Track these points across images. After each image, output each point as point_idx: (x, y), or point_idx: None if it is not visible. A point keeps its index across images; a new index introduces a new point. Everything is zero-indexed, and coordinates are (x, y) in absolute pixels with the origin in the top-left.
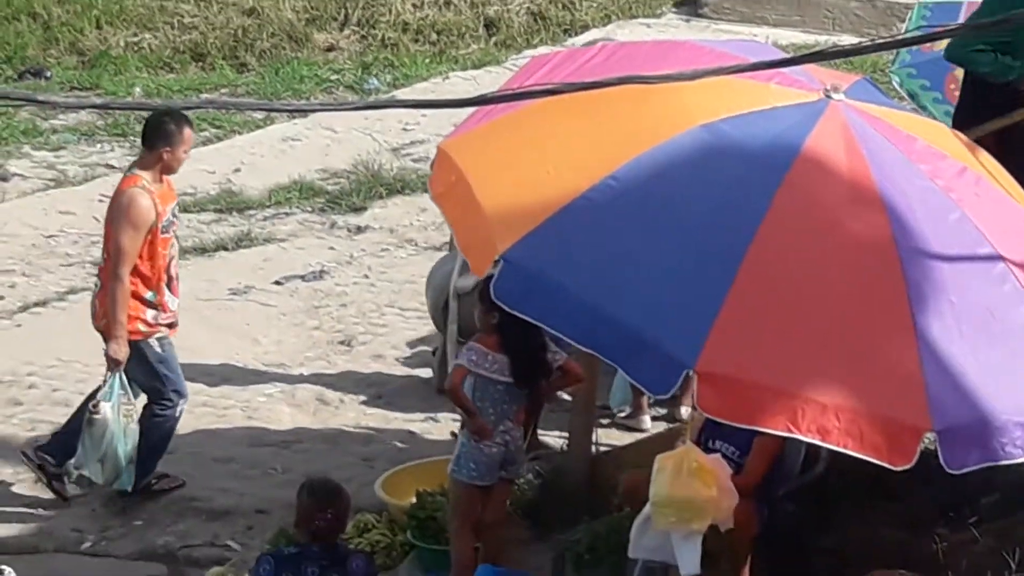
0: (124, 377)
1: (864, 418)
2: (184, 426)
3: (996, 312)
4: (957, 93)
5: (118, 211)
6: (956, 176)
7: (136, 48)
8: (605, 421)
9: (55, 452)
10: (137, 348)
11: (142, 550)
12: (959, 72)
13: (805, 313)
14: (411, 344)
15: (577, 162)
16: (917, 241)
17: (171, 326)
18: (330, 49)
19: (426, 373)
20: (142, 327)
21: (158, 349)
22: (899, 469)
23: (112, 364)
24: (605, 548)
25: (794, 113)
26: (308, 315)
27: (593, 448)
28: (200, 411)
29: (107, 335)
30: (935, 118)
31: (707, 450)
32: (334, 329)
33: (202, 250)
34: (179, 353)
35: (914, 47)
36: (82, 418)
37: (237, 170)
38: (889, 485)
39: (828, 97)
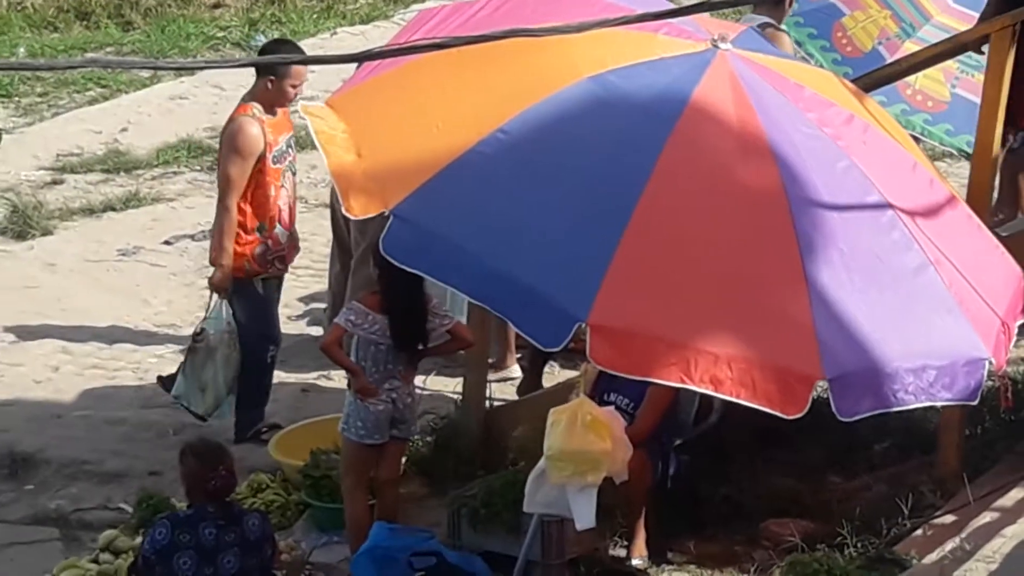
0: (229, 306)
1: (756, 368)
2: (73, 388)
3: (885, 259)
4: (844, 41)
5: (226, 139)
6: (844, 124)
7: (19, 7)
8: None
9: (247, 412)
10: (238, 284)
11: (34, 515)
12: (846, 20)
13: (696, 264)
14: (303, 301)
15: (466, 116)
16: (806, 190)
17: (281, 260)
18: (216, 6)
19: (317, 331)
20: (247, 265)
21: (259, 290)
22: (792, 418)
23: (218, 292)
24: (500, 503)
25: (682, 63)
26: (198, 275)
27: (487, 403)
28: (90, 373)
29: (214, 262)
30: (822, 66)
31: (601, 402)
32: None
33: (90, 211)
34: (67, 315)
35: None
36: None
37: (124, 129)
38: (782, 434)
39: (716, 47)
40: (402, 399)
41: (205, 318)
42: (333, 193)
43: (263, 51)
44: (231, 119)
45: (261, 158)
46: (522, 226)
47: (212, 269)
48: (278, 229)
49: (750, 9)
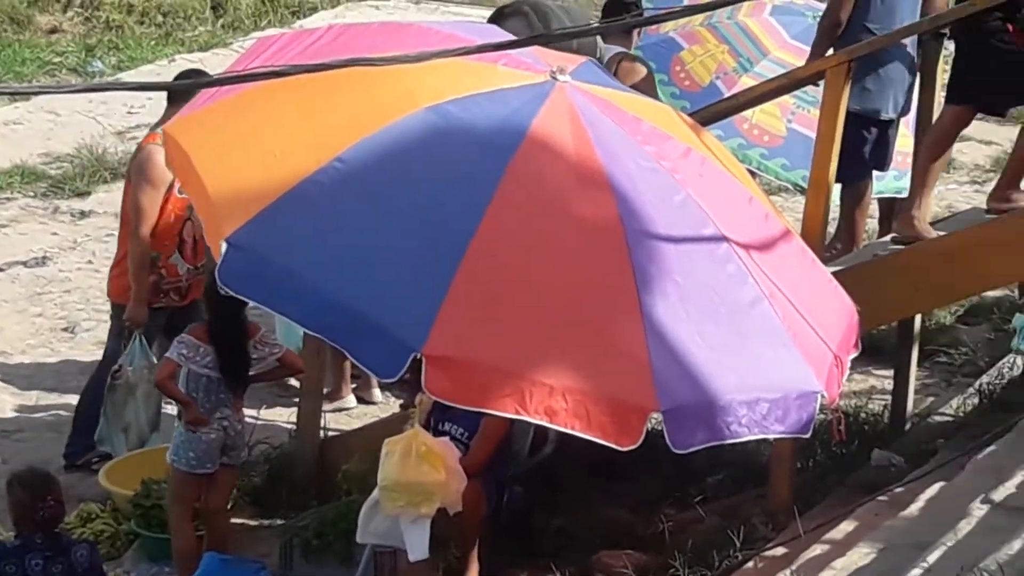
0: (144, 340)
1: (591, 399)
2: None
3: (720, 292)
4: (683, 75)
5: (135, 168)
6: (681, 157)
7: None
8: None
9: (82, 439)
10: (118, 309)
11: None
12: (685, 55)
13: (533, 295)
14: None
15: (304, 144)
16: (643, 223)
17: (178, 292)
18: (53, 31)
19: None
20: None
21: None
22: (626, 449)
23: (134, 325)
24: (333, 533)
25: (521, 95)
26: (30, 302)
27: (321, 434)
28: None
29: (133, 296)
30: (661, 100)
31: (436, 432)
32: (57, 316)
33: None
34: None
35: (642, 29)
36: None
37: None
38: (617, 466)
39: (555, 79)
40: (232, 427)
41: (123, 354)
42: None
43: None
44: (140, 148)
45: (168, 188)
46: (358, 255)
47: (43, 296)
48: (175, 259)
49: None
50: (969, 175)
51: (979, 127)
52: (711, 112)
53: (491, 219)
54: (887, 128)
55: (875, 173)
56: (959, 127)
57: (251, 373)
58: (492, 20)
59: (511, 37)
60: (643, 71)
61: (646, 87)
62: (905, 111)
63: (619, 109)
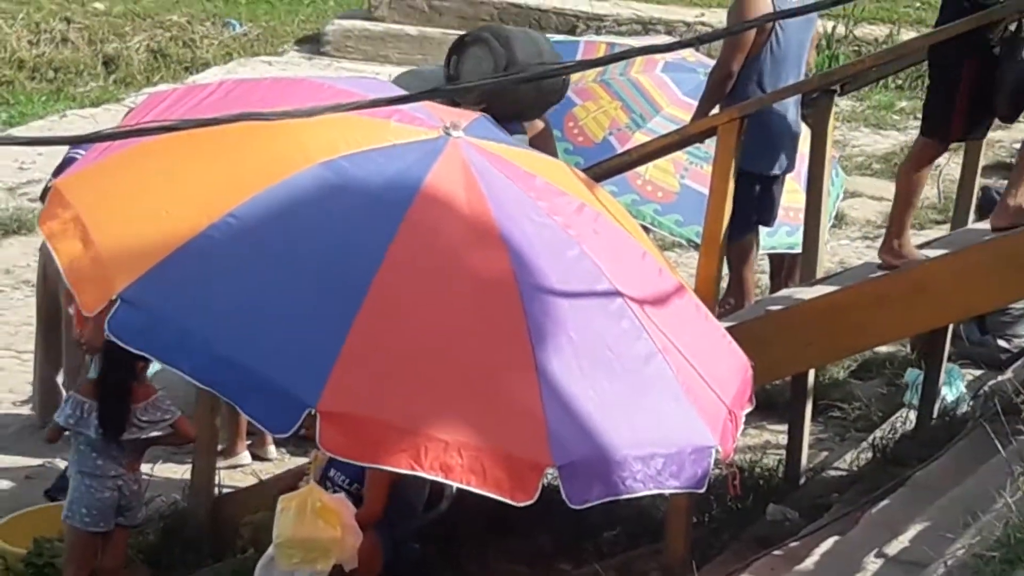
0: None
1: (486, 454)
2: None
3: (615, 347)
4: (576, 131)
5: None
6: (575, 213)
7: None
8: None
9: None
10: None
11: None
12: (578, 110)
13: (428, 350)
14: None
15: (196, 200)
16: (537, 278)
17: None
18: None
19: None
20: None
21: None
22: (521, 505)
23: (90, 351)
24: None
25: (414, 150)
26: None
27: (216, 490)
28: None
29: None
30: (555, 156)
31: (323, 479)
32: None
33: None
34: None
35: None
36: None
37: None
38: (513, 521)
39: (448, 134)
40: (128, 486)
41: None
42: (43, 261)
43: None
44: None
45: None
46: (252, 310)
47: None
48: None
49: None
50: (861, 231)
51: (871, 184)
52: (604, 168)
53: (385, 274)
54: (772, 185)
55: (767, 229)
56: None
57: (142, 437)
58: (452, 51)
59: (402, 93)
60: (541, 125)
61: (544, 141)
62: (790, 168)
63: (513, 165)
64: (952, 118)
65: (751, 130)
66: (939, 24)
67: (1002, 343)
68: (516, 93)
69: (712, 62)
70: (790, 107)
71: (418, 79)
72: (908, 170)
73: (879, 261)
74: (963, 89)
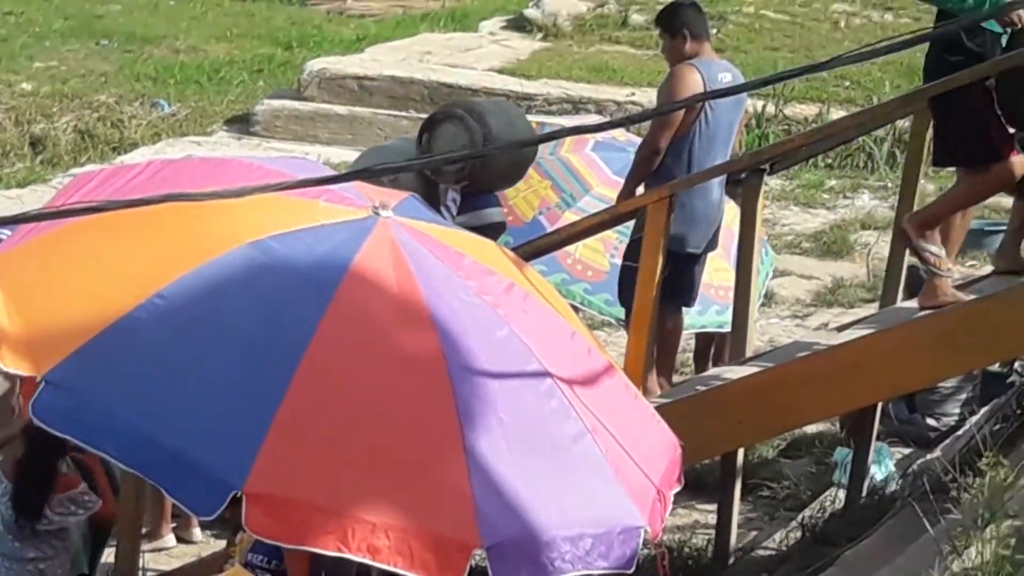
0: None
1: (414, 536)
2: None
3: (543, 428)
4: (505, 210)
5: None
6: (504, 293)
7: None
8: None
9: None
10: None
11: None
12: (508, 191)
13: (356, 431)
14: None
15: (123, 280)
16: (466, 358)
17: None
18: None
19: None
20: None
21: None
22: None
23: None
24: None
25: (343, 230)
26: None
27: (140, 573)
28: None
29: None
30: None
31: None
32: None
33: None
34: None
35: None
36: None
37: None
38: None
39: (377, 214)
40: (51, 570)
41: None
42: None
43: None
44: None
45: None
46: (179, 392)
47: None
48: None
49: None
50: (790, 309)
51: (800, 262)
52: (534, 247)
53: (313, 355)
54: (693, 264)
55: (697, 308)
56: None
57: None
58: (424, 128)
59: (331, 172)
60: None
61: None
62: (711, 247)
63: (441, 244)
64: (990, 131)
65: (671, 208)
66: (926, 71)
67: (931, 421)
68: (499, 165)
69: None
70: (714, 187)
71: (384, 155)
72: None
73: (809, 339)
74: (978, 105)
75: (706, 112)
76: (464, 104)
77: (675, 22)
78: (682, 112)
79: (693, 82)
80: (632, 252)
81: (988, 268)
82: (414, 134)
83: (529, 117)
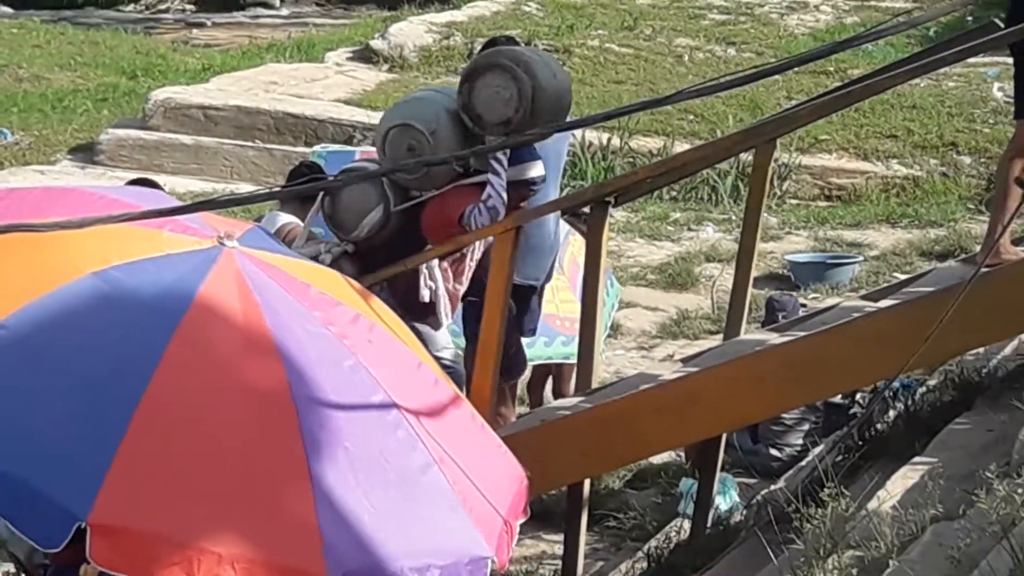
0: None
1: (261, 567)
2: None
3: (390, 458)
4: None
5: None
6: (350, 323)
7: None
8: None
9: None
10: None
11: None
12: None
13: (201, 462)
14: None
15: None
16: (312, 389)
17: None
18: None
19: None
20: None
21: None
22: None
23: None
24: None
25: (188, 260)
26: None
27: None
28: None
29: None
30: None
31: None
32: None
33: None
34: None
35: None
36: None
37: None
38: None
39: (222, 244)
40: None
41: None
42: None
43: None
44: None
45: None
46: (21, 422)
47: None
48: None
49: (271, 207)
50: (636, 340)
51: (646, 294)
52: (379, 277)
53: (158, 385)
54: (531, 295)
55: (544, 338)
56: None
57: None
58: (466, 79)
59: (175, 203)
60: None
61: None
62: (548, 279)
63: (287, 275)
64: None
65: None
66: (1011, 15)
67: (774, 452)
68: (545, 114)
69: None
70: (550, 217)
71: (417, 106)
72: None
73: (654, 371)
74: None
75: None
76: (508, 53)
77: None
78: None
79: None
80: (474, 286)
81: (830, 300)
82: (264, 163)
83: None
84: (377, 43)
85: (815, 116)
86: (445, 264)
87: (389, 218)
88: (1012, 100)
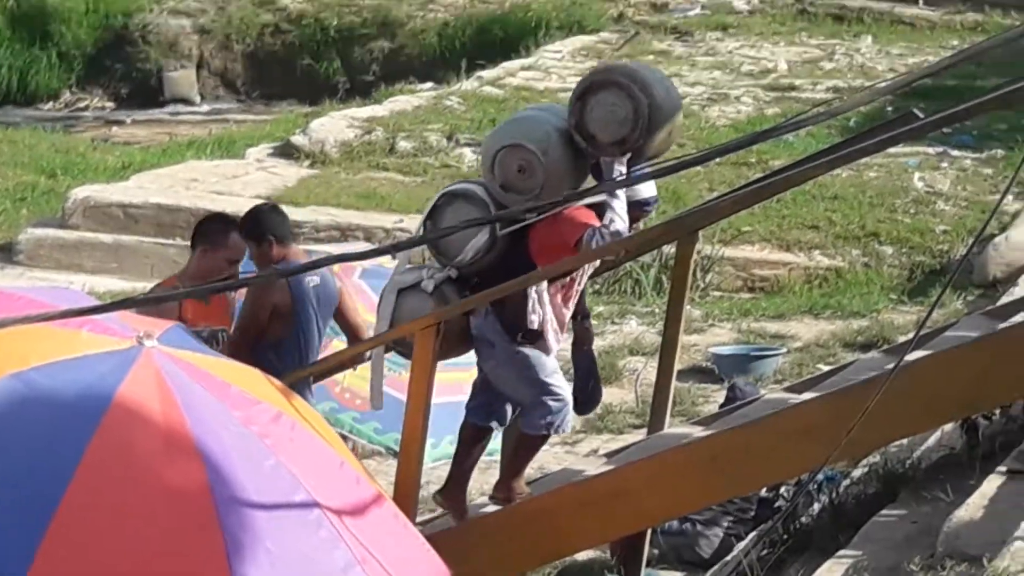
0: None
1: None
2: None
3: (313, 558)
4: None
5: None
6: (271, 422)
7: None
8: None
9: None
10: None
11: None
12: None
13: (122, 564)
14: None
15: None
16: (233, 489)
17: None
18: None
19: None
20: None
21: None
22: None
23: None
24: None
25: (107, 360)
26: None
27: None
28: None
29: None
30: None
31: None
32: None
33: None
34: None
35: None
36: None
37: None
38: None
39: (141, 344)
40: None
41: None
42: None
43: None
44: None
45: None
46: None
47: None
48: None
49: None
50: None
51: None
52: (302, 375)
53: (78, 487)
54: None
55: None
56: None
57: None
58: (578, 96)
59: (94, 302)
60: None
61: None
62: None
63: (207, 374)
64: None
65: None
66: None
67: (700, 528)
68: (660, 133)
69: None
70: None
71: (525, 125)
72: None
73: (578, 466)
74: None
75: (299, 314)
76: (623, 70)
77: (258, 229)
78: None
79: (279, 287)
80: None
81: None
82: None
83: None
84: (298, 139)
85: (737, 208)
86: (554, 289)
87: (495, 241)
88: (932, 190)
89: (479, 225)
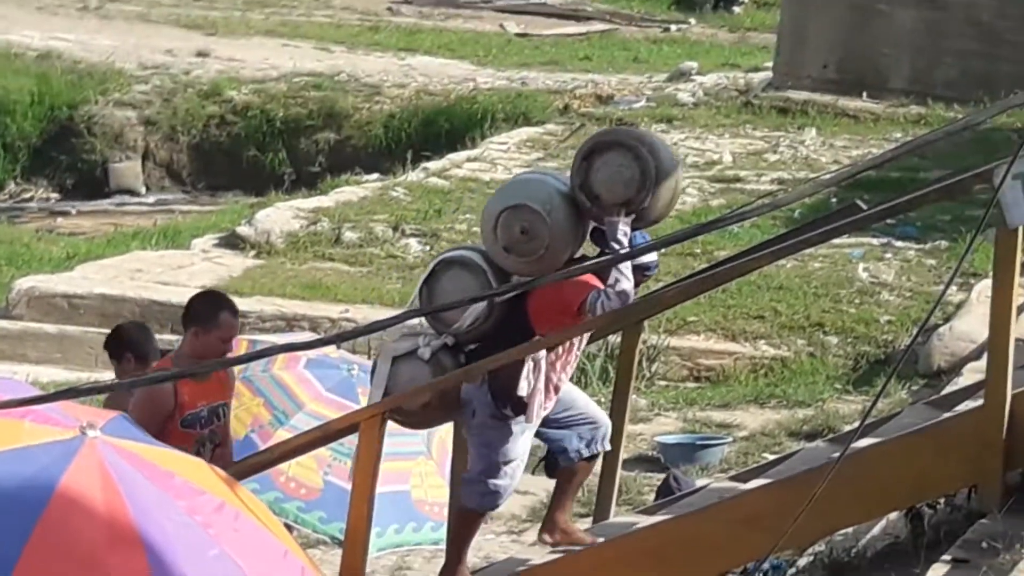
0: None
1: None
2: None
3: None
4: None
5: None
6: (215, 512)
7: None
8: None
9: None
10: None
11: None
12: None
13: None
14: None
15: None
16: None
17: None
18: None
19: None
20: None
21: None
22: None
23: None
24: None
25: (49, 451)
26: None
27: None
28: None
29: None
30: None
31: None
32: None
33: None
34: None
35: None
36: None
37: None
38: None
39: (84, 434)
40: None
41: None
42: None
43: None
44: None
45: (169, 418)
46: None
47: None
48: None
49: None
50: (506, 525)
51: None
52: (247, 465)
53: None
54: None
55: (412, 523)
56: None
57: None
58: (584, 156)
59: (36, 392)
60: None
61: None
62: None
63: (150, 463)
64: None
65: None
66: None
67: None
68: (664, 196)
69: (355, 358)
70: None
71: (530, 187)
72: None
73: (523, 555)
74: None
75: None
76: (629, 131)
77: (119, 347)
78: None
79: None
80: None
81: (700, 481)
82: None
83: (241, 336)
84: (244, 229)
85: (682, 298)
86: (553, 355)
87: (493, 308)
88: (876, 280)
89: (476, 301)
